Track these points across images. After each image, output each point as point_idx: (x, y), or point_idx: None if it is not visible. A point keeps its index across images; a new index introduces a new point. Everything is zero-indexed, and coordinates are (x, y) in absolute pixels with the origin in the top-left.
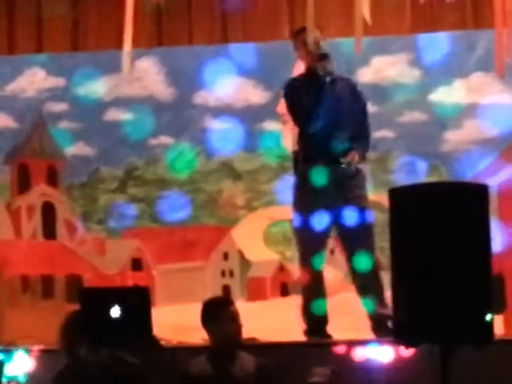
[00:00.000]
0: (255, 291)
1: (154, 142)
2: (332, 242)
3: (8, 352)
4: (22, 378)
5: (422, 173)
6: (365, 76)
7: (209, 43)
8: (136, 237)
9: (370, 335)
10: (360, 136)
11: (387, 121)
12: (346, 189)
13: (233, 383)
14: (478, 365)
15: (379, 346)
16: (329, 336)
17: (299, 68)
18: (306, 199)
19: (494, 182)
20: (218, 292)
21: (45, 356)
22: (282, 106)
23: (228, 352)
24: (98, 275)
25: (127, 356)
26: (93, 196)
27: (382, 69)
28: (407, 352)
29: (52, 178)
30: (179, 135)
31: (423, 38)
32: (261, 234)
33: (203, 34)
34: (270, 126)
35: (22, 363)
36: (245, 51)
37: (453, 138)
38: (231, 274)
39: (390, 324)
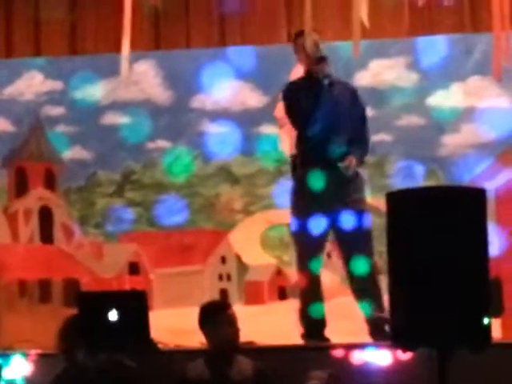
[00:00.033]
0: (253, 295)
1: (151, 145)
2: (329, 246)
3: (5, 356)
4: (19, 382)
5: (419, 177)
6: (362, 79)
7: (206, 46)
8: (133, 241)
9: (368, 339)
10: (358, 140)
11: (385, 124)
12: (343, 193)
13: None
14: (475, 368)
15: (377, 349)
16: (326, 340)
17: (298, 71)
18: (304, 203)
19: (491, 186)
20: (216, 296)
21: (42, 360)
22: (279, 110)
23: (225, 356)
24: (95, 279)
25: (125, 360)
26: (90, 200)
27: (379, 72)
28: (405, 356)
29: (49, 182)
30: (176, 139)
31: (421, 42)
32: (258, 238)
33: (201, 38)
34: (268, 129)
35: (19, 367)
36: (243, 55)
37: (450, 141)
38: (229, 277)
39: (387, 328)
